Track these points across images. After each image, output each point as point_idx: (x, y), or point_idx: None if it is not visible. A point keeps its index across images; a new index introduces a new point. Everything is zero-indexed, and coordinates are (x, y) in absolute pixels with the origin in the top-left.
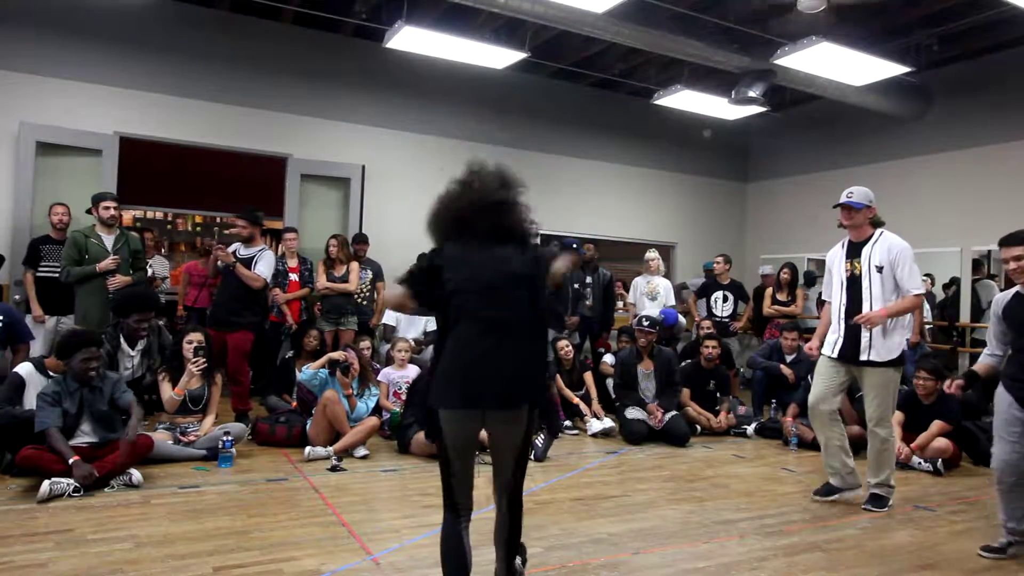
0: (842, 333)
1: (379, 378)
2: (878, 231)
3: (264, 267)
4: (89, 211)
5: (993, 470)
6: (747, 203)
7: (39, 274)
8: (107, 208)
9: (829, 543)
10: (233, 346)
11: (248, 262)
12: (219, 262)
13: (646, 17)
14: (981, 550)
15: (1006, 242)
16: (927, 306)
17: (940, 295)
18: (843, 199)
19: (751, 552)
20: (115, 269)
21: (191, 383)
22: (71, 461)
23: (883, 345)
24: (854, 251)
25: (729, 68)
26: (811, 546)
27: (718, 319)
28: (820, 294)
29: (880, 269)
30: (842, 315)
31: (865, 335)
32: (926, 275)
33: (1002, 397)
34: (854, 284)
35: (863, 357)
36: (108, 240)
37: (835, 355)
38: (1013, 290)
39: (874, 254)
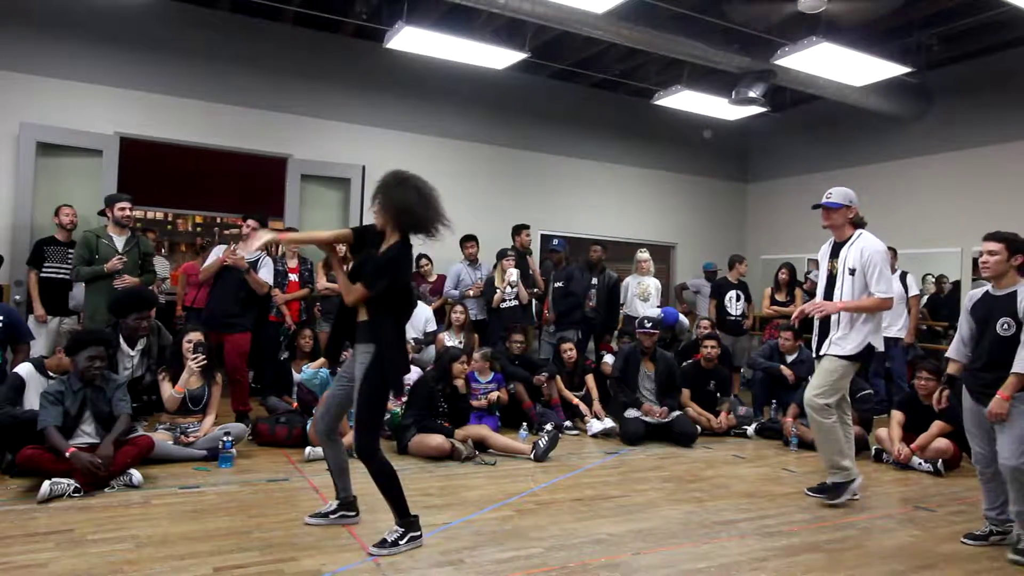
0: (816, 331)
1: None
2: (857, 232)
3: (266, 273)
4: (102, 212)
5: (974, 464)
6: (747, 203)
7: (43, 275)
8: (122, 209)
9: (829, 543)
10: (232, 347)
11: (252, 265)
12: (226, 261)
13: (646, 17)
14: (964, 538)
15: (987, 236)
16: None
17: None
18: (822, 200)
19: (751, 552)
20: (121, 269)
21: (191, 381)
22: (68, 453)
23: (841, 341)
24: (835, 251)
25: (729, 68)
26: (811, 546)
27: (732, 318)
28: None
29: (852, 272)
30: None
31: (832, 332)
32: (928, 274)
33: (965, 395)
34: (831, 283)
35: (823, 351)
36: (119, 241)
37: (817, 353)
38: (984, 288)
39: (849, 256)
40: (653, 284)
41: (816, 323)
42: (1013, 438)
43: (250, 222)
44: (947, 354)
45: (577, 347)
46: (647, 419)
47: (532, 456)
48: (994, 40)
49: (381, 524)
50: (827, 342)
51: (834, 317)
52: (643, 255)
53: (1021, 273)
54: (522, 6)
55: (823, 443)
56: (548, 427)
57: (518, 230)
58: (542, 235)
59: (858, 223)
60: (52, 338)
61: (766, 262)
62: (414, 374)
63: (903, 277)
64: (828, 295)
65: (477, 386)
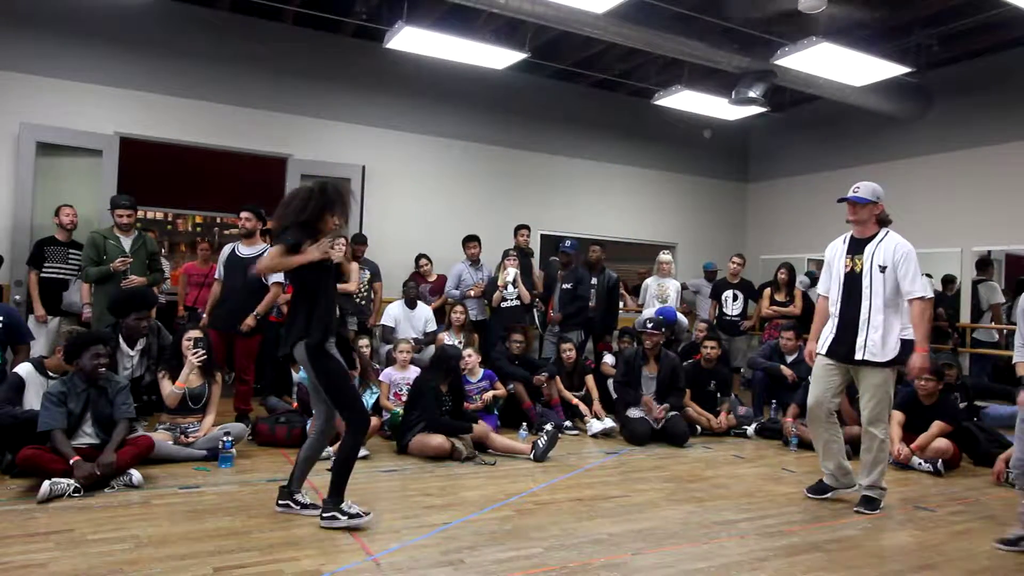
0: (834, 329)
1: (381, 378)
2: (884, 230)
3: (277, 275)
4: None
5: (1012, 467)
6: (747, 203)
7: (43, 275)
8: (119, 216)
9: (829, 543)
10: (242, 348)
11: (253, 261)
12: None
13: (646, 17)
14: (995, 542)
15: None
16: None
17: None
18: (849, 194)
19: (751, 552)
20: (125, 270)
21: (191, 378)
22: (72, 461)
23: (881, 344)
24: (856, 247)
25: (729, 68)
26: (811, 546)
27: (728, 318)
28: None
29: (883, 269)
30: (837, 311)
31: (861, 333)
32: (927, 275)
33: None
34: (853, 281)
35: (858, 356)
36: (126, 241)
37: (825, 352)
38: None
39: (878, 253)
40: (673, 286)
41: (835, 324)
42: None
43: (244, 214)
44: (1016, 359)
45: (577, 348)
46: (648, 417)
47: (532, 456)
48: (993, 40)
49: (381, 524)
50: (860, 346)
51: (863, 316)
52: (665, 256)
53: None
54: (522, 6)
55: (875, 462)
56: (548, 427)
57: (517, 230)
58: (542, 235)
59: (884, 220)
60: (52, 338)
61: (766, 262)
62: (413, 374)
63: None
64: (848, 293)
65: (469, 387)
